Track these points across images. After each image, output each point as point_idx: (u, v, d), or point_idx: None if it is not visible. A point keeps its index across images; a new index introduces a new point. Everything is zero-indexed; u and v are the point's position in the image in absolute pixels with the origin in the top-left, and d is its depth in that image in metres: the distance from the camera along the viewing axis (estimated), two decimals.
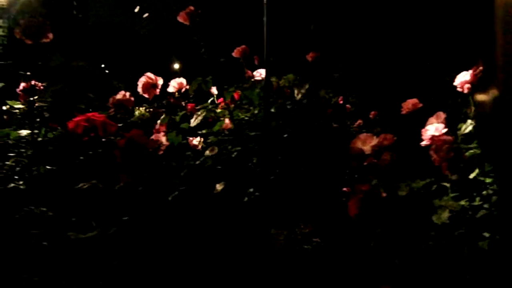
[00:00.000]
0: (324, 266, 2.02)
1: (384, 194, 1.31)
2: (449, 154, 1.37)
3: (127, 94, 2.06)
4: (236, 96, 2.61)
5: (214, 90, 2.46)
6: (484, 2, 1.66)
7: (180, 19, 1.82)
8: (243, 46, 2.06)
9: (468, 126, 1.96)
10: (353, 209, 1.27)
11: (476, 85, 2.03)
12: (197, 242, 1.68)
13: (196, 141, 2.27)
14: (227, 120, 2.09)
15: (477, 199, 1.75)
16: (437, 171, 2.07)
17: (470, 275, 1.60)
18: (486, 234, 1.70)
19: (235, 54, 2.07)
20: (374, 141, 1.81)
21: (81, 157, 1.66)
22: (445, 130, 1.75)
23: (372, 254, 1.99)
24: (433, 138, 1.49)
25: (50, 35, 1.88)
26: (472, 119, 2.02)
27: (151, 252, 1.42)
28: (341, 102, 2.69)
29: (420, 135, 2.13)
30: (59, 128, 2.13)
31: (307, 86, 1.82)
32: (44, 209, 1.47)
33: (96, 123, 1.22)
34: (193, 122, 1.85)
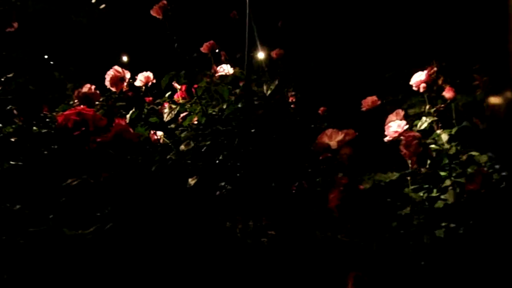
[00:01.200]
0: (282, 258, 2.08)
1: (361, 187, 1.38)
2: (418, 149, 1.46)
3: (93, 87, 2.04)
4: (194, 90, 2.63)
5: (176, 84, 2.47)
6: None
7: (153, 13, 1.82)
8: (211, 42, 2.08)
9: (423, 123, 2.09)
10: (334, 201, 1.34)
11: (431, 84, 2.17)
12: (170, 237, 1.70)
13: (158, 135, 2.27)
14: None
15: (435, 190, 1.88)
16: (396, 165, 2.19)
17: (428, 261, 1.71)
18: (443, 223, 1.83)
19: (203, 49, 2.10)
20: (340, 136, 1.89)
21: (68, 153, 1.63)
22: (407, 126, 1.86)
23: (336, 245, 2.09)
24: (402, 134, 1.58)
25: (16, 24, 1.83)
26: (426, 116, 2.16)
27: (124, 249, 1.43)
28: (293, 99, 2.76)
29: (372, 131, 2.25)
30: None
31: (276, 83, 1.87)
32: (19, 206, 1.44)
33: (87, 117, 1.22)
34: (167, 116, 1.86)
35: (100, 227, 1.16)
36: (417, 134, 1.55)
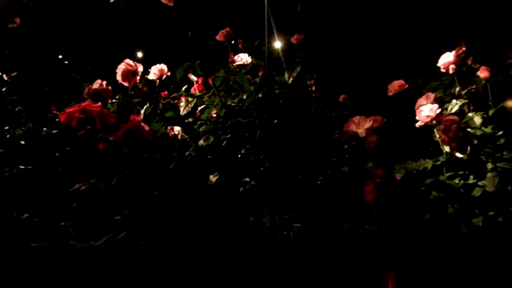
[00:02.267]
0: (309, 251, 1.99)
1: (398, 177, 1.28)
2: (458, 134, 1.35)
3: (104, 83, 1.96)
4: (211, 82, 2.54)
5: (193, 77, 2.37)
6: None
7: (163, 0, 1.73)
8: (228, 29, 1.98)
9: (454, 106, 1.97)
10: (371, 194, 1.24)
11: (460, 65, 2.05)
12: (193, 237, 1.62)
13: (176, 130, 2.18)
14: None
15: (471, 177, 1.76)
16: (426, 151, 2.08)
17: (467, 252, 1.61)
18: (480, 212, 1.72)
19: (219, 37, 2.00)
20: (368, 123, 1.79)
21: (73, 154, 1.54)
22: (439, 110, 1.74)
23: (364, 236, 1.99)
24: (440, 118, 1.47)
25: (18, 20, 1.75)
26: (457, 98, 2.04)
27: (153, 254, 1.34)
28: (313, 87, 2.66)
29: (397, 117, 2.14)
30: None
31: (298, 69, 1.77)
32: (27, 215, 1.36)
33: (93, 114, 1.12)
34: (183, 110, 1.77)
35: (112, 237, 1.07)
36: (455, 118, 1.44)
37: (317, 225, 2.10)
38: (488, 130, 1.64)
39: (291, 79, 1.78)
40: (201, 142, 1.61)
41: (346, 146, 1.78)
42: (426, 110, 1.74)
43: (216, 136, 1.63)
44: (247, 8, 2.20)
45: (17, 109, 1.83)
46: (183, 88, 2.61)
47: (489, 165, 1.57)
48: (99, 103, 1.19)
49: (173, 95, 2.74)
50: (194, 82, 2.33)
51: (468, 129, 1.71)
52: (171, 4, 1.73)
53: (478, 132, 1.62)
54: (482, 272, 1.52)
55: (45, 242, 1.02)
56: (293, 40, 2.14)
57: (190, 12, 1.85)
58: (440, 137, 1.44)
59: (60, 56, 4.34)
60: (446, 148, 1.76)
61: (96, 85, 1.90)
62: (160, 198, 1.56)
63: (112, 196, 1.25)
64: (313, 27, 1.97)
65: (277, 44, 2.69)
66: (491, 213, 1.67)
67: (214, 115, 2.10)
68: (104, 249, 1.01)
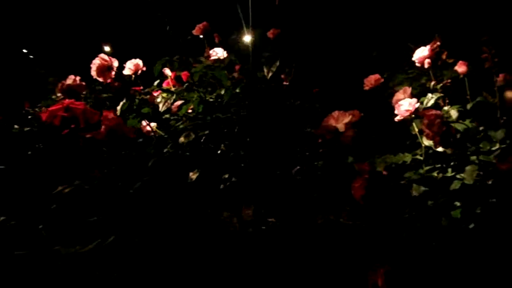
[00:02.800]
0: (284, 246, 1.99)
1: (385, 173, 1.28)
2: (442, 128, 1.36)
3: (77, 78, 1.90)
4: (184, 77, 2.50)
5: (167, 71, 2.33)
6: None
7: None
8: (205, 23, 1.95)
9: (430, 100, 1.99)
10: (359, 190, 1.23)
11: (435, 59, 2.07)
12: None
13: (149, 127, 2.14)
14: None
15: (449, 170, 1.78)
16: (403, 145, 2.10)
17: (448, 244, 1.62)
18: (458, 203, 1.74)
19: (195, 31, 1.96)
20: (347, 118, 1.79)
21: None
22: (418, 104, 1.76)
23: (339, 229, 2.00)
24: (424, 113, 1.47)
25: None
26: (432, 92, 2.05)
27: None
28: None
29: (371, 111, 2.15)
30: None
31: (277, 64, 1.74)
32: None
33: (77, 112, 1.08)
34: (162, 106, 1.72)
35: (100, 242, 1.03)
36: (439, 112, 1.44)
37: (291, 219, 2.09)
38: (468, 123, 1.66)
39: (270, 74, 1.76)
40: (181, 139, 1.57)
41: (320, 140, 1.78)
42: (405, 104, 1.75)
43: (197, 133, 1.60)
44: (222, 3, 2.17)
45: None
46: (156, 83, 2.56)
47: (473, 158, 1.59)
48: (82, 101, 1.15)
49: (146, 90, 2.69)
50: (169, 77, 2.29)
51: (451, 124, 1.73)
52: None
53: (459, 126, 1.63)
54: (462, 262, 1.54)
55: (25, 247, 0.97)
56: (269, 34, 2.12)
57: (167, 5, 1.81)
58: (424, 131, 1.45)
59: (25, 51, 4.21)
60: (425, 142, 1.78)
61: (69, 80, 1.85)
62: (139, 197, 1.52)
63: (95, 196, 1.21)
64: (290, 21, 1.95)
65: (247, 39, 2.67)
66: (469, 205, 1.69)
67: (190, 111, 2.06)
68: (92, 254, 0.97)
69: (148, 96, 2.54)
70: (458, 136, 1.55)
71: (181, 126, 1.67)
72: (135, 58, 2.14)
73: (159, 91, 2.48)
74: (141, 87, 2.65)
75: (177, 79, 2.46)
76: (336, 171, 1.98)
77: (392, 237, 1.51)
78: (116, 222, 1.24)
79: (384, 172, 1.27)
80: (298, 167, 2.02)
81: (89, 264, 1.00)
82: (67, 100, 1.10)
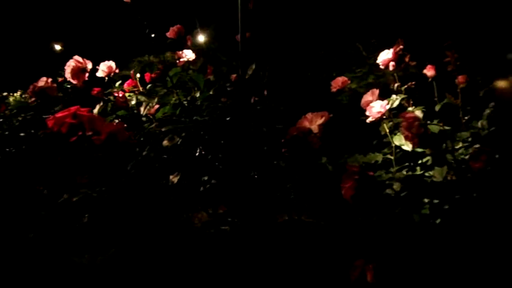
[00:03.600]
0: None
1: (371, 173, 1.33)
2: (420, 130, 1.43)
3: (49, 80, 1.86)
4: (147, 78, 2.48)
5: (137, 74, 2.31)
6: None
7: None
8: (179, 26, 1.94)
9: (394, 101, 2.08)
10: (349, 190, 1.28)
11: (398, 62, 2.16)
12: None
13: None
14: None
15: (418, 168, 1.87)
16: (371, 145, 2.18)
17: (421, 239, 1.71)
18: (426, 200, 1.83)
19: (169, 34, 1.95)
20: (321, 119, 1.84)
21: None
22: (388, 106, 1.83)
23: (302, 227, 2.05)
24: (402, 115, 1.54)
25: None
26: (396, 94, 2.14)
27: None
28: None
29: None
30: None
31: (253, 67, 1.77)
32: None
33: (84, 119, 1.07)
34: (144, 109, 1.71)
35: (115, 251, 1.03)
36: (416, 115, 1.52)
37: (254, 219, 2.12)
38: (435, 124, 1.75)
39: (247, 76, 1.79)
40: (165, 142, 1.57)
41: (283, 141, 1.83)
42: (377, 106, 1.82)
43: (180, 136, 1.61)
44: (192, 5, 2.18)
45: None
46: (117, 84, 2.54)
47: (449, 157, 1.68)
48: (88, 108, 1.13)
49: (107, 91, 2.65)
50: (136, 78, 2.27)
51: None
52: (128, 1, 1.67)
53: (433, 128, 1.72)
54: (433, 254, 1.62)
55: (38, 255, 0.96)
56: (238, 37, 2.14)
57: (140, 8, 1.80)
58: (403, 133, 1.52)
59: None
60: (396, 142, 1.86)
61: (41, 82, 1.81)
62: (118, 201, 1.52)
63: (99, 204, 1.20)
64: (262, 24, 1.99)
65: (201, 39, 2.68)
66: (436, 201, 1.79)
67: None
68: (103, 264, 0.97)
69: (109, 97, 2.52)
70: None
71: (163, 129, 1.67)
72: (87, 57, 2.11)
73: (122, 92, 2.46)
74: (100, 88, 2.61)
75: (141, 81, 2.44)
76: (307, 171, 2.04)
77: (371, 233, 1.57)
78: (115, 229, 1.24)
79: (370, 173, 1.33)
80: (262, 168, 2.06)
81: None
82: (73, 107, 1.09)
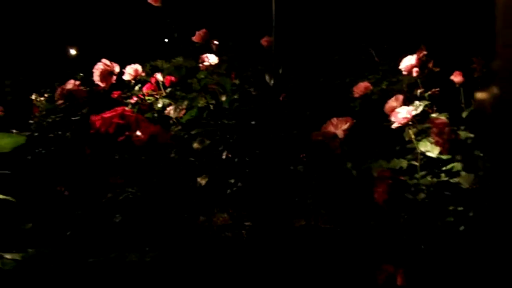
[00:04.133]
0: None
1: (402, 178, 1.34)
2: (452, 136, 1.44)
3: (77, 83, 1.88)
4: (167, 82, 2.50)
5: (159, 76, 2.33)
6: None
7: (150, 0, 1.69)
8: (204, 30, 1.96)
9: (418, 107, 2.08)
10: (382, 195, 1.29)
11: (422, 68, 2.16)
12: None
13: None
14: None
15: (442, 175, 1.87)
16: (392, 153, 2.18)
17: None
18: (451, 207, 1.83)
19: (195, 38, 1.97)
20: (346, 125, 1.85)
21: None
22: (415, 112, 1.84)
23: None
24: (432, 121, 1.55)
25: None
26: (420, 100, 2.15)
27: None
28: None
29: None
30: None
31: (280, 71, 1.79)
32: None
33: (131, 120, 1.08)
34: (174, 112, 1.72)
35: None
36: (447, 120, 1.53)
37: (271, 223, 2.13)
38: (464, 132, 1.75)
39: (272, 81, 1.80)
40: (195, 145, 1.58)
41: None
42: (403, 112, 1.82)
43: (210, 139, 1.62)
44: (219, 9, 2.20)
45: None
46: (136, 88, 2.56)
47: (479, 164, 1.68)
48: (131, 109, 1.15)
49: (126, 94, 2.67)
50: (160, 82, 2.29)
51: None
52: (158, 4, 1.69)
53: (462, 134, 1.72)
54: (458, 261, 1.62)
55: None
56: (263, 42, 2.16)
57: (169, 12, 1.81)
58: (433, 139, 1.52)
59: None
60: (421, 148, 1.86)
61: (69, 85, 1.83)
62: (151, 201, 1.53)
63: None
64: (284, 29, 1.99)
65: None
66: (461, 208, 1.79)
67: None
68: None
69: (128, 100, 2.54)
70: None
71: (193, 132, 1.68)
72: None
73: (140, 95, 2.48)
74: (119, 92, 2.63)
75: (158, 84, 2.46)
76: (328, 176, 2.04)
77: (399, 238, 1.58)
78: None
79: (402, 178, 1.33)
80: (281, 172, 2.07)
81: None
82: (119, 107, 1.10)
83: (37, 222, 1.35)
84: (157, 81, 2.40)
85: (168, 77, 2.45)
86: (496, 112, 1.78)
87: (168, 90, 2.36)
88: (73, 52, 3.85)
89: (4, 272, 0.93)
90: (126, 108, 1.14)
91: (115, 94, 2.61)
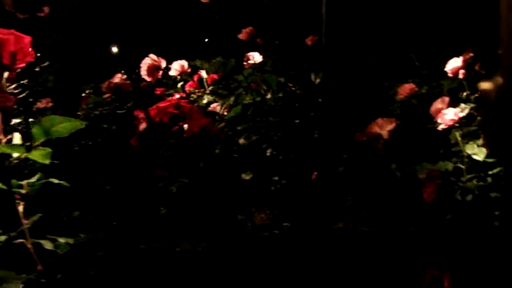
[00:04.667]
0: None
1: (453, 179, 1.32)
2: None
3: (124, 77, 1.91)
4: (209, 80, 2.52)
5: (203, 74, 2.35)
6: None
7: None
8: (251, 28, 1.98)
9: (464, 109, 2.05)
10: (431, 195, 1.27)
11: (468, 70, 2.13)
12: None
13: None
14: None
15: (489, 179, 1.84)
16: (436, 155, 2.15)
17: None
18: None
19: (241, 36, 1.99)
20: (391, 125, 1.83)
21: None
22: (462, 114, 1.81)
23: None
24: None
25: (47, 9, 1.66)
26: (465, 102, 2.11)
27: None
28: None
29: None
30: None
31: (327, 71, 1.79)
32: None
33: (185, 110, 1.10)
34: (221, 108, 1.74)
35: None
36: None
37: (311, 224, 2.12)
38: None
39: (318, 80, 1.80)
40: (242, 140, 1.60)
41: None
42: (450, 114, 1.80)
43: (257, 134, 1.63)
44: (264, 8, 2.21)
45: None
46: (179, 85, 2.58)
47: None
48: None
49: (170, 91, 2.70)
50: (204, 79, 2.32)
51: None
52: (207, 1, 1.71)
53: None
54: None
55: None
56: (308, 41, 2.16)
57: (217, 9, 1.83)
58: (484, 140, 1.49)
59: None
60: (468, 150, 1.83)
61: (117, 79, 1.86)
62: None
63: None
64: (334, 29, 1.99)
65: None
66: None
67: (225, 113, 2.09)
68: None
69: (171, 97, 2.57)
70: None
71: (239, 128, 1.69)
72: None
73: (183, 93, 2.51)
74: (163, 89, 2.67)
75: (200, 82, 2.49)
76: (371, 177, 2.03)
77: (444, 241, 1.55)
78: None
79: (452, 179, 1.31)
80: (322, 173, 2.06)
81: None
82: (173, 98, 1.12)
83: (84, 210, 1.38)
84: (199, 79, 2.43)
85: (211, 75, 2.48)
86: (499, 101, 1.75)
87: (210, 88, 2.39)
88: (114, 49, 3.92)
89: (58, 256, 0.95)
90: (181, 99, 1.15)
91: (158, 91, 2.65)
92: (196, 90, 2.52)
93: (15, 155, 0.94)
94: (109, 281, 0.95)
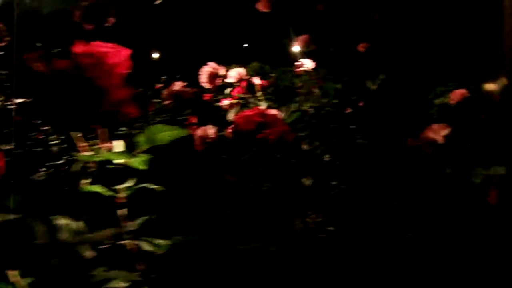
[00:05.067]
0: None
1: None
2: None
3: (184, 84, 1.98)
4: (259, 86, 2.56)
5: (257, 80, 2.40)
6: None
7: (259, 6, 1.77)
8: (307, 36, 2.02)
9: None
10: (496, 198, 1.30)
11: None
12: None
13: None
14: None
15: None
16: (489, 159, 2.16)
17: None
18: None
19: (298, 44, 2.04)
20: (445, 131, 1.86)
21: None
22: None
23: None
24: None
25: (112, 19, 1.73)
26: None
27: None
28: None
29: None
30: None
31: (382, 77, 1.82)
32: None
33: (269, 119, 1.15)
34: (286, 115, 1.79)
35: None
36: None
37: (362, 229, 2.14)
38: None
39: (374, 86, 1.84)
40: (305, 146, 1.65)
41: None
42: None
43: (318, 140, 1.67)
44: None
45: None
46: (228, 91, 2.63)
47: None
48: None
49: (218, 97, 2.75)
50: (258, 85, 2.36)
51: None
52: (268, 10, 1.76)
53: None
54: None
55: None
56: (360, 48, 2.20)
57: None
58: None
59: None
60: None
61: (177, 86, 1.92)
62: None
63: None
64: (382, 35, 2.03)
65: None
66: None
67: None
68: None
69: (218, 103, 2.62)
70: None
71: (303, 134, 1.74)
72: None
73: (230, 99, 2.56)
74: (212, 95, 2.72)
75: (249, 88, 2.53)
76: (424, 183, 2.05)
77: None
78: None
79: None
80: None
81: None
82: (258, 107, 1.18)
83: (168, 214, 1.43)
84: (249, 84, 2.48)
85: (263, 81, 2.53)
86: (504, 102, 1.74)
87: (260, 93, 2.43)
88: (156, 55, 4.00)
89: (155, 257, 1.00)
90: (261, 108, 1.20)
91: (207, 97, 2.71)
92: (246, 96, 2.57)
93: (118, 161, 0.99)
94: (205, 280, 1.00)
